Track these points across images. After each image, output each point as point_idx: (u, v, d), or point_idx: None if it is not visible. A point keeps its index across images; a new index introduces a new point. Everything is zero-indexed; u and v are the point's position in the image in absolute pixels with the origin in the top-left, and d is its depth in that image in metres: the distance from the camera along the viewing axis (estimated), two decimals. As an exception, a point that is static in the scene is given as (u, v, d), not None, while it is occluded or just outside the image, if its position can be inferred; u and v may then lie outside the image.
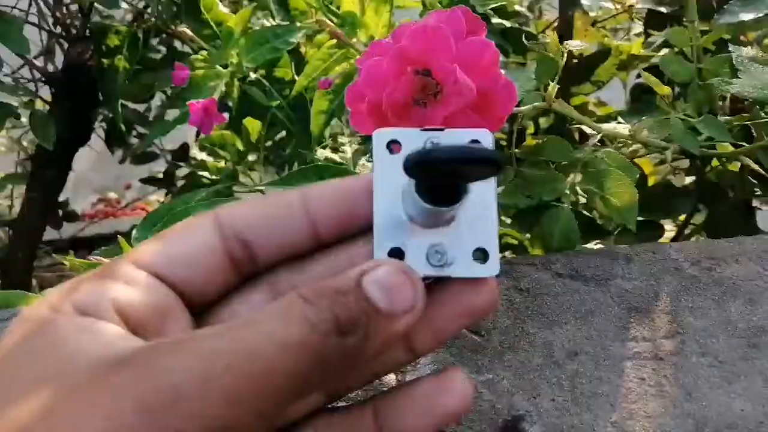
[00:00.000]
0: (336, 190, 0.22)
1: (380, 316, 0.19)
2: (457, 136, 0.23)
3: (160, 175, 1.08)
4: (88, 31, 0.71)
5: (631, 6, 0.64)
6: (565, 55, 0.39)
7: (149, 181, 1.10)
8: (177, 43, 0.92)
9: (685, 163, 0.43)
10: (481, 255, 0.22)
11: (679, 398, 0.32)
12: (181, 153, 1.07)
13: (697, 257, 0.37)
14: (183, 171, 1.07)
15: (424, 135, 0.23)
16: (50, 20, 0.76)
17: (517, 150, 0.40)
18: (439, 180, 0.20)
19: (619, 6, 0.64)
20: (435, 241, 0.22)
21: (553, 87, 0.39)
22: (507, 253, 0.57)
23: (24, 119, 0.79)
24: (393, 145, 0.23)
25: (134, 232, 0.52)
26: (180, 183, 1.05)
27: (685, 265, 0.37)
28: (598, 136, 0.41)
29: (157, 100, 0.98)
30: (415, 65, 0.33)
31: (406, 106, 0.33)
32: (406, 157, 0.19)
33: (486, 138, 0.23)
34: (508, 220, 0.54)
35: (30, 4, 0.75)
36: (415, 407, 0.22)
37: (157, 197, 1.30)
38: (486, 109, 0.33)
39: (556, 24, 0.66)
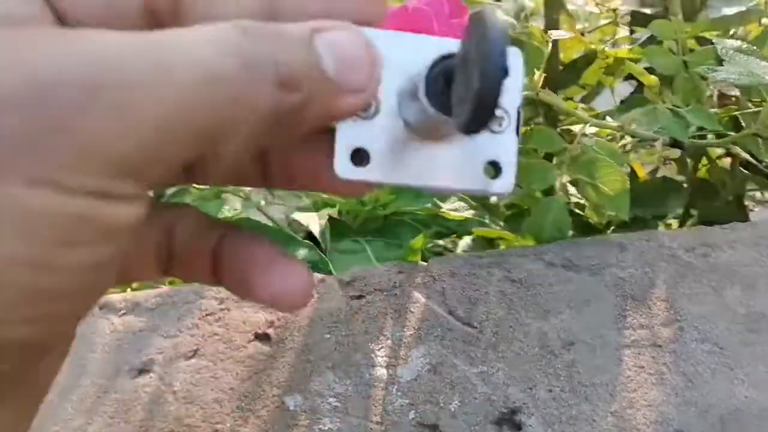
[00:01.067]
0: None
1: (326, 84, 0.16)
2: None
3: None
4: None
5: (615, 10, 0.64)
6: (550, 43, 0.39)
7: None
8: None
9: (676, 153, 0.43)
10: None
11: (680, 386, 0.31)
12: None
13: (692, 244, 0.36)
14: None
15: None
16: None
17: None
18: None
19: (603, 8, 0.65)
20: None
21: (539, 75, 0.38)
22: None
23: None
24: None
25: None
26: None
27: (679, 252, 0.36)
28: (587, 126, 0.40)
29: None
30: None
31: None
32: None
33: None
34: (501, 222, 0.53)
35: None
36: (260, 286, 0.19)
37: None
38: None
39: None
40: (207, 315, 0.37)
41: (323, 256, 0.44)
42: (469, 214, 0.51)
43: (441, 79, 0.18)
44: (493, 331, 0.34)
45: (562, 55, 0.68)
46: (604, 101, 0.70)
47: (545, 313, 0.35)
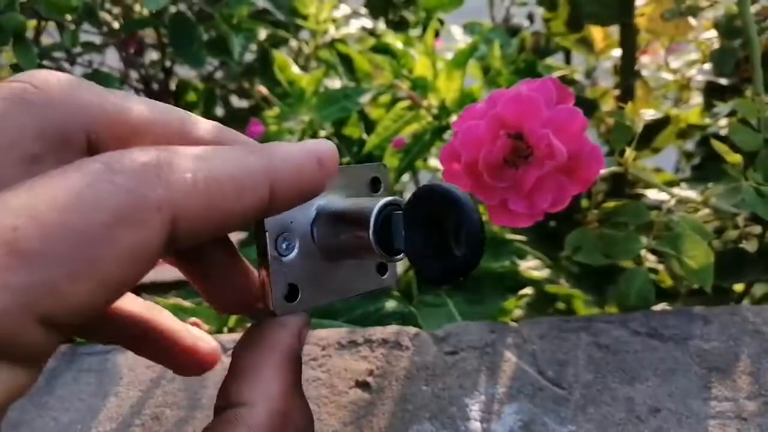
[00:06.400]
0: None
1: None
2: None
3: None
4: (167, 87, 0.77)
5: (689, 78, 0.66)
6: (642, 123, 0.42)
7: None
8: (233, 100, 0.98)
9: (756, 229, 0.44)
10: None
11: (767, 460, 0.32)
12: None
13: (776, 321, 0.38)
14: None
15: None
16: (131, 77, 0.81)
17: (595, 211, 0.42)
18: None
19: (677, 76, 0.67)
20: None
21: (630, 152, 0.41)
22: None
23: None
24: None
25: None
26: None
27: (764, 328, 0.38)
28: (672, 201, 0.42)
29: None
30: (508, 129, 0.36)
31: (499, 167, 0.36)
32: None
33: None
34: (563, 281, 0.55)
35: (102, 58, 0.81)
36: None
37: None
38: (574, 172, 0.35)
39: (615, 92, 0.69)
40: (311, 360, 0.40)
41: (411, 308, 0.46)
42: (545, 273, 0.53)
43: (386, 225, 0.22)
44: (581, 393, 0.36)
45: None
46: (660, 157, 0.71)
47: (632, 379, 0.37)
